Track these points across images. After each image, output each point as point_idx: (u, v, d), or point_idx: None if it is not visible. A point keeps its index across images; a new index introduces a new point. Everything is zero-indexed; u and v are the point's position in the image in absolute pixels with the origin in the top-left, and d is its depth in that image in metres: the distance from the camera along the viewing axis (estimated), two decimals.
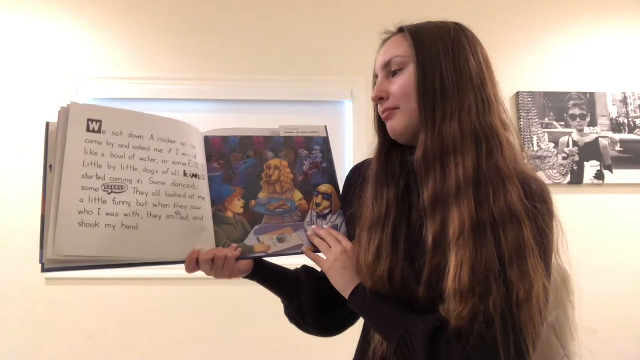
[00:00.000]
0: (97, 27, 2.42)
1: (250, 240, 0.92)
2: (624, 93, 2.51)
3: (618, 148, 2.46)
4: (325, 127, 1.05)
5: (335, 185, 1.00)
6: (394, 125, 0.86)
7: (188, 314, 2.25)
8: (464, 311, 0.70)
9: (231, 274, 0.89)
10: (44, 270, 0.76)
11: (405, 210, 0.85)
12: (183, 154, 0.90)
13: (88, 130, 0.82)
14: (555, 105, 2.47)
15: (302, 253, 0.93)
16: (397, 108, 0.85)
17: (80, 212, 0.78)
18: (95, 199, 0.80)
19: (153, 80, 2.39)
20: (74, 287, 2.22)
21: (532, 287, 0.70)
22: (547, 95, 2.47)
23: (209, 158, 0.95)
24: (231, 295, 2.25)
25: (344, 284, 0.86)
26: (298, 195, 0.97)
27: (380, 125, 0.91)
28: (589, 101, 2.48)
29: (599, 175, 2.42)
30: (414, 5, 2.49)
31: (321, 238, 0.92)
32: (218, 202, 0.93)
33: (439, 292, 0.74)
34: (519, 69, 2.50)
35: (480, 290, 0.70)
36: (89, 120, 0.83)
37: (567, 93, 2.48)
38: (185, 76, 2.40)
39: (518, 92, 2.46)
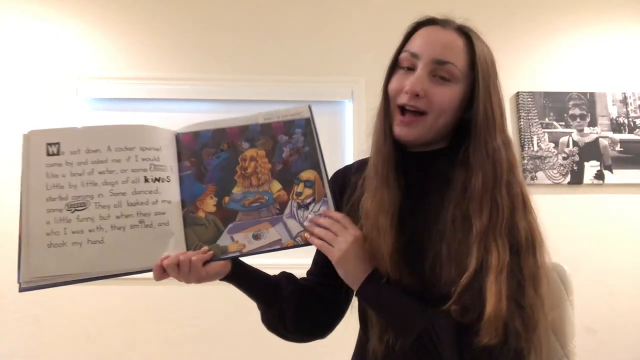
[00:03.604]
0: (97, 27, 2.42)
1: (224, 240, 0.86)
2: (624, 93, 2.51)
3: (618, 148, 2.46)
4: (309, 106, 0.96)
5: (319, 170, 0.91)
6: (412, 133, 0.86)
7: (188, 314, 2.25)
8: (497, 330, 0.74)
9: (199, 278, 0.83)
10: (20, 290, 0.81)
11: (403, 217, 0.86)
12: (143, 159, 0.88)
13: (48, 154, 0.86)
14: (555, 105, 2.47)
15: (280, 249, 0.86)
16: (424, 113, 0.85)
17: (47, 234, 0.82)
18: (60, 219, 0.83)
19: (153, 80, 2.39)
20: (74, 287, 2.20)
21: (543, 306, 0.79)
22: (547, 95, 2.47)
23: (180, 157, 0.92)
24: (231, 295, 2.24)
25: (356, 275, 0.83)
26: (276, 186, 0.90)
27: (386, 108, 0.90)
28: (589, 101, 2.48)
29: (599, 175, 2.42)
30: (415, 4, 2.49)
31: (324, 227, 0.86)
32: (189, 202, 0.89)
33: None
34: (519, 69, 2.50)
35: (511, 311, 0.75)
36: (47, 144, 0.86)
37: (567, 93, 2.48)
38: (185, 76, 2.40)
39: (518, 92, 2.46)
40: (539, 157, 2.41)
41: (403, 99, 0.85)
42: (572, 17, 2.58)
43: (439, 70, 0.84)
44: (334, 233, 0.84)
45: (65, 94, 2.33)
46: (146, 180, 0.87)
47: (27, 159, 0.86)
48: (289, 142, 0.92)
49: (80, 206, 0.84)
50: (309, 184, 0.90)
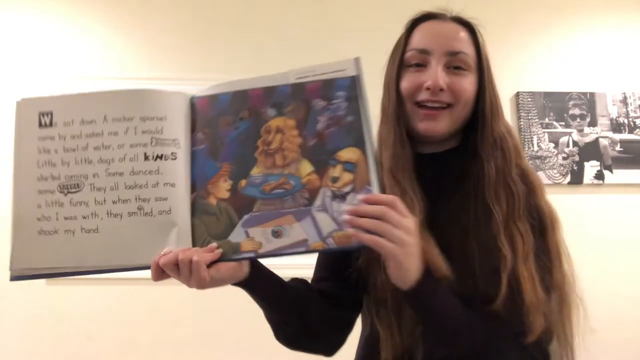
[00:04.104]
0: (97, 27, 2.42)
1: (237, 235, 0.69)
2: (624, 93, 2.50)
3: (618, 148, 2.45)
4: (357, 60, 0.75)
5: (364, 149, 0.69)
6: (440, 126, 0.83)
7: (188, 314, 2.25)
8: (541, 320, 0.74)
9: (202, 283, 0.67)
10: (11, 279, 0.72)
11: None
12: (143, 132, 0.73)
13: (40, 125, 0.74)
14: (555, 105, 2.47)
15: (306, 252, 0.67)
16: (449, 106, 0.83)
17: (38, 219, 0.72)
18: (52, 203, 0.72)
19: (153, 80, 2.38)
20: (74, 287, 2.21)
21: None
22: (547, 95, 2.47)
23: (194, 127, 0.75)
24: (232, 295, 2.24)
25: (411, 272, 0.68)
26: (306, 167, 0.70)
27: (399, 109, 0.85)
28: (589, 101, 2.48)
29: (599, 175, 2.42)
30: (415, 4, 2.48)
31: (371, 216, 0.66)
32: (200, 185, 0.72)
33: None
34: (519, 69, 2.49)
35: (546, 298, 0.76)
36: (40, 114, 0.74)
37: (567, 93, 2.48)
38: (186, 76, 2.40)
39: (518, 92, 2.46)
40: (539, 157, 2.41)
41: (424, 95, 0.82)
42: (572, 17, 2.58)
43: (453, 61, 0.83)
44: (390, 222, 0.65)
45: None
46: (146, 157, 0.72)
47: (18, 131, 0.74)
48: (327, 108, 0.72)
49: (74, 188, 0.72)
50: (349, 166, 0.69)
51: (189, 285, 0.68)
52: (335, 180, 0.69)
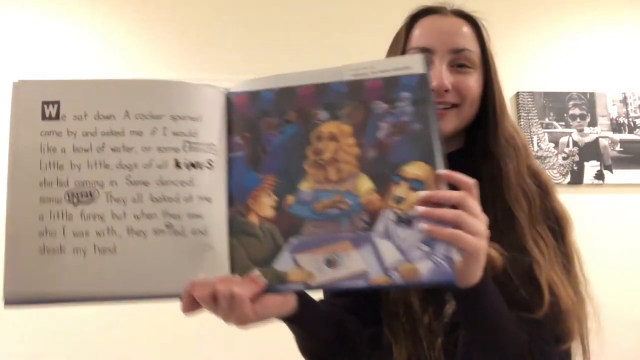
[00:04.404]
0: (98, 26, 2.42)
1: (283, 263, 0.59)
2: (624, 93, 2.51)
3: (618, 148, 2.45)
4: (424, 57, 0.64)
5: (433, 163, 0.59)
6: (448, 125, 0.80)
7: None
8: (574, 324, 0.75)
9: (244, 320, 0.57)
10: (6, 303, 0.59)
11: None
12: (174, 134, 0.61)
13: (44, 117, 0.61)
14: (555, 105, 2.47)
15: (366, 288, 0.57)
16: (455, 105, 0.80)
17: (40, 234, 0.58)
18: (58, 214, 0.59)
19: None
20: None
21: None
22: (547, 95, 2.47)
23: (231, 129, 0.64)
24: None
25: (481, 269, 0.60)
26: (365, 183, 0.60)
27: None
28: (589, 101, 2.48)
29: (599, 175, 2.42)
30: (415, 4, 2.48)
31: (447, 203, 0.57)
32: (238, 199, 0.61)
33: None
34: (519, 69, 2.49)
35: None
36: (44, 103, 0.61)
37: (567, 93, 2.48)
38: (186, 77, 2.39)
39: (518, 92, 2.46)
40: (539, 157, 2.41)
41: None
42: (572, 17, 2.58)
43: (457, 59, 0.80)
44: (469, 212, 0.56)
45: None
46: (177, 165, 0.60)
47: (16, 122, 0.61)
48: (390, 113, 0.61)
49: (86, 197, 0.60)
50: (416, 184, 0.58)
51: (227, 321, 0.59)
52: (399, 200, 0.58)
